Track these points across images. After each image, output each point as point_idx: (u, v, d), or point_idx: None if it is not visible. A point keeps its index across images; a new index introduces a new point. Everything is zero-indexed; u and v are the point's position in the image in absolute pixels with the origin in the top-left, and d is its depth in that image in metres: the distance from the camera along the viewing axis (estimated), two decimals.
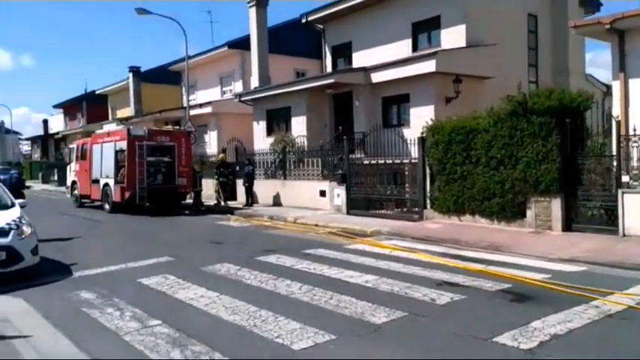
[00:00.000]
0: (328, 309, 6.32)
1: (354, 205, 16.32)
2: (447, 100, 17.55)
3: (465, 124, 13.27)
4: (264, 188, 20.60)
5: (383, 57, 20.46)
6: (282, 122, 23.73)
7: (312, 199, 18.05)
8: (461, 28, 18.97)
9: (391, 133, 17.16)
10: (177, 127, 21.25)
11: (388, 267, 8.58)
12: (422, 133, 14.61)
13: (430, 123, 14.53)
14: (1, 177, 13.93)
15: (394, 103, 20.00)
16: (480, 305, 6.48)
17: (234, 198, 21.78)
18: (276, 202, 19.75)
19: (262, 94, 23.55)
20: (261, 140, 24.07)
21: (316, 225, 14.46)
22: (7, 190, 9.67)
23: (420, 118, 16.71)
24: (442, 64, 17.22)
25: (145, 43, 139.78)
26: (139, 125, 23.95)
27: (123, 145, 18.29)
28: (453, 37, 19.10)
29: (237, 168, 22.26)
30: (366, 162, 16.99)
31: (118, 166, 18.58)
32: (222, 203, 20.49)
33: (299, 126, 22.14)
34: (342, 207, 16.58)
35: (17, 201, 9.39)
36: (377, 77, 19.69)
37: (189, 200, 20.52)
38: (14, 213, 8.84)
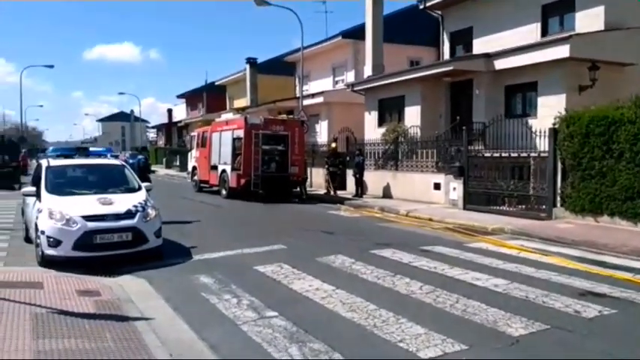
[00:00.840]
0: (455, 314, 5.74)
1: (472, 200, 15.36)
2: (581, 89, 15.89)
3: (607, 114, 11.84)
4: (373, 179, 20.15)
5: (507, 43, 19.02)
6: (394, 112, 23.08)
7: (424, 192, 17.31)
8: (599, 10, 17.10)
9: (515, 124, 15.90)
10: (292, 117, 21.39)
11: (518, 270, 7.76)
12: (553, 124, 13.31)
13: (562, 113, 13.19)
14: (130, 161, 14.73)
15: (519, 91, 18.58)
16: (636, 322, 5.55)
17: (344, 188, 21.57)
18: (386, 193, 19.23)
19: (375, 84, 23.03)
20: (372, 130, 23.61)
21: (430, 219, 13.78)
22: (134, 174, 10.11)
23: (549, 108, 15.33)
24: (576, 49, 15.59)
25: (260, 35, 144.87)
26: (255, 114, 24.46)
27: (240, 133, 18.75)
28: (589, 20, 17.26)
29: (348, 158, 22.01)
30: (487, 154, 15.91)
31: (235, 153, 19.10)
32: (332, 193, 20.36)
33: (412, 116, 21.38)
34: (458, 201, 15.68)
35: (143, 184, 9.75)
36: (500, 64, 18.36)
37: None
38: (140, 196, 9.18)
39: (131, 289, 7.03)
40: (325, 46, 31.56)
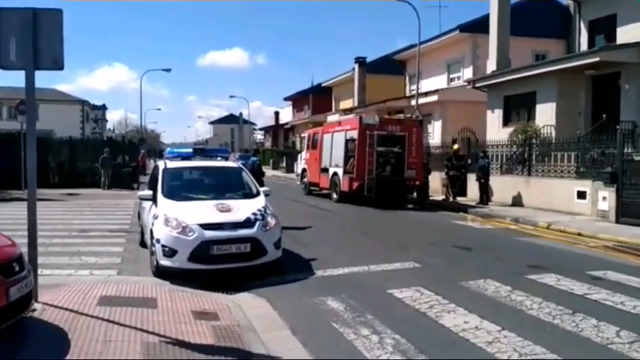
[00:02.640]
0: None
1: (627, 212, 13.05)
2: None
3: None
4: (500, 185, 18.16)
5: None
6: (523, 110, 20.84)
7: (565, 201, 15.13)
8: None
9: None
10: (409, 116, 19.97)
11: None
12: None
13: None
14: (240, 162, 14.07)
15: None
16: None
17: (464, 194, 19.77)
18: (516, 201, 17.17)
19: (501, 79, 20.90)
20: (496, 130, 21.50)
21: (579, 234, 11.77)
22: (252, 178, 9.30)
23: None
24: None
25: (364, 37, 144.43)
26: (369, 114, 23.19)
27: (354, 134, 17.67)
28: None
29: (469, 161, 20.16)
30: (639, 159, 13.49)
31: (347, 155, 18.07)
32: (451, 199, 18.68)
33: (545, 114, 19.06)
34: (609, 213, 13.41)
35: (262, 189, 8.90)
36: None
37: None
38: (259, 202, 8.31)
39: (251, 311, 6.08)
40: (440, 41, 29.68)
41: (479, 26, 27.78)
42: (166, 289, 6.93)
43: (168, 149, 10.76)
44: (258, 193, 8.70)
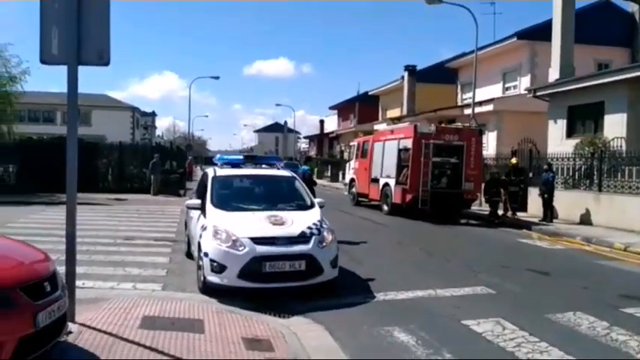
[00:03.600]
0: None
1: None
2: None
3: None
4: (565, 201, 16.86)
5: None
6: (589, 121, 19.48)
7: None
8: None
9: None
10: (467, 125, 18.91)
11: None
12: None
13: None
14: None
15: None
16: None
17: (524, 209, 18.53)
18: (584, 219, 15.86)
19: (565, 88, 19.61)
20: (558, 142, 20.17)
21: None
22: (306, 189, 8.60)
23: None
24: None
25: (412, 45, 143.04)
26: (424, 123, 22.17)
27: (408, 143, 16.76)
28: None
29: (531, 174, 18.92)
30: None
31: (400, 165, 17.15)
32: (511, 215, 17.49)
33: (614, 126, 17.69)
34: None
35: (316, 200, 8.19)
36: None
37: (474, 208, 18.05)
38: (314, 215, 7.60)
39: (309, 341, 5.35)
40: (495, 49, 28.48)
41: (537, 33, 26.51)
42: (214, 309, 6.30)
43: (218, 156, 10.20)
44: (312, 205, 8.00)
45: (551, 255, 11.04)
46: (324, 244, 7.04)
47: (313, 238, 6.96)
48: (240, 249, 6.72)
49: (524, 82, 27.05)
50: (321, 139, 63.75)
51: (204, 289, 7.01)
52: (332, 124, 62.21)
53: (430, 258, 10.21)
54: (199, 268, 7.27)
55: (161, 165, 25.56)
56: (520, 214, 17.72)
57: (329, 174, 46.15)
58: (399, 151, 17.23)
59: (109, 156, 25.66)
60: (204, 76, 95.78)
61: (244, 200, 7.93)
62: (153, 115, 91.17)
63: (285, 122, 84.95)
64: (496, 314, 6.18)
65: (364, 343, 5.33)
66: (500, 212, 17.09)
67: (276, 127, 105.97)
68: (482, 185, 17.19)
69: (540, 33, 25.99)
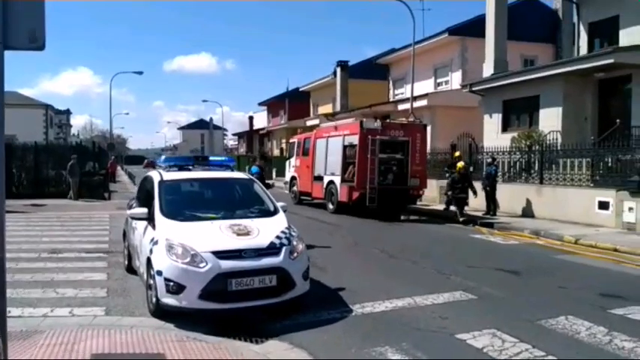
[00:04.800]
0: None
1: None
2: None
3: None
4: (507, 193, 17.04)
5: None
6: (524, 115, 19.91)
7: (584, 212, 14.07)
8: None
9: None
10: (412, 120, 18.71)
11: None
12: None
13: None
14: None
15: None
16: None
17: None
18: (527, 212, 16.07)
19: (500, 82, 19.92)
20: (494, 136, 20.51)
21: (616, 250, 10.69)
22: (267, 192, 7.78)
23: None
24: None
25: (338, 42, 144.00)
26: (369, 119, 21.60)
27: (353, 139, 16.26)
28: None
29: (471, 168, 19.03)
30: None
31: (345, 162, 16.63)
32: (461, 220, 17.43)
33: (550, 119, 18.14)
34: (638, 225, 12.41)
35: (279, 205, 7.40)
36: None
37: (419, 204, 17.85)
38: (281, 222, 6.81)
39: None
40: (427, 45, 28.69)
41: (468, 29, 26.97)
42: (173, 338, 5.40)
43: (162, 157, 9.18)
44: (276, 211, 7.20)
45: (510, 251, 10.88)
46: (296, 254, 6.29)
47: (284, 248, 6.19)
48: (201, 265, 5.83)
49: (456, 78, 27.47)
50: (250, 135, 62.43)
51: (157, 312, 6.06)
52: (261, 120, 61.05)
53: (393, 260, 9.69)
54: (149, 287, 6.30)
55: (80, 166, 23.60)
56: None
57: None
58: (344, 147, 16.71)
59: (24, 158, 23.36)
60: (125, 72, 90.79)
61: (199, 208, 7.00)
62: (67, 113, 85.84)
63: (211, 119, 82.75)
64: (488, 324, 5.72)
65: None
66: (452, 208, 16.92)
67: (201, 124, 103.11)
68: (449, 181, 16.56)
69: (471, 29, 26.46)
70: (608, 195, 13.45)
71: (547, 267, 9.14)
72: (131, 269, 8.16)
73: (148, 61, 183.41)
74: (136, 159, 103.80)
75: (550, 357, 4.79)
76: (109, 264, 9.20)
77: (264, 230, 6.39)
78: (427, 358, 4.85)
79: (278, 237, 6.32)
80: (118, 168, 47.25)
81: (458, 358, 4.89)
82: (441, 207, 18.14)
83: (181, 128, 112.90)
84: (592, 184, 14.62)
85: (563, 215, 14.68)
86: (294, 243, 6.39)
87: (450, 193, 15.89)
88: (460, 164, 16.21)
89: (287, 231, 6.53)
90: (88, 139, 70.80)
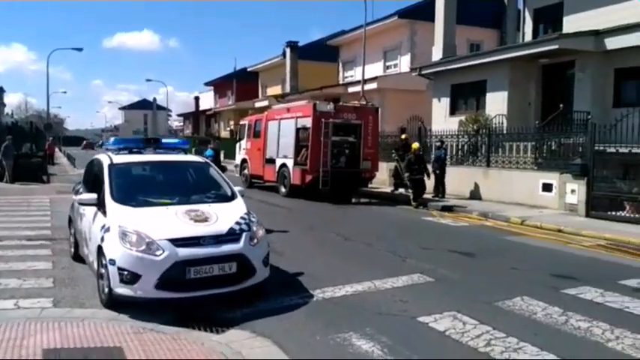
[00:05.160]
0: None
1: (597, 206, 12.64)
2: None
3: None
4: (455, 176, 17.38)
5: (612, 19, 15.98)
6: (471, 99, 20.39)
7: (528, 194, 14.58)
8: None
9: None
10: (364, 103, 18.71)
11: None
12: None
13: None
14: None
15: (634, 76, 15.80)
16: None
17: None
18: (474, 194, 16.50)
19: (449, 66, 20.30)
20: (442, 120, 20.94)
21: (560, 231, 11.15)
22: (224, 176, 7.55)
23: None
24: None
25: (287, 23, 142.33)
26: (322, 102, 21.37)
27: (306, 122, 16.11)
28: None
29: (421, 152, 19.31)
30: (611, 150, 13.11)
31: (298, 145, 16.47)
32: (403, 191, 17.69)
33: (496, 104, 18.65)
34: (579, 207, 12.95)
35: (236, 189, 7.21)
36: (613, 43, 15.60)
37: (371, 186, 17.96)
38: (240, 208, 6.63)
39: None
40: (377, 27, 28.73)
41: (417, 12, 27.21)
42: (129, 330, 5.17)
43: (111, 139, 8.71)
44: (234, 195, 7.00)
45: (462, 233, 11.14)
46: (256, 240, 6.14)
47: (244, 235, 6.03)
48: (158, 253, 5.59)
49: (405, 61, 27.73)
50: (197, 116, 61.05)
51: (110, 303, 5.79)
52: (208, 101, 59.76)
53: (349, 243, 9.71)
54: (101, 277, 6.01)
55: (16, 148, 22.34)
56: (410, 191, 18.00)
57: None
58: (297, 130, 16.54)
59: None
60: (63, 48, 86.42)
61: (152, 193, 6.70)
62: (0, 91, 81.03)
63: (154, 99, 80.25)
64: (448, 307, 5.80)
65: (326, 357, 4.60)
66: (401, 190, 17.13)
67: (144, 104, 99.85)
68: (405, 163, 16.01)
69: (420, 12, 26.69)
70: (552, 177, 13.97)
71: (497, 248, 9.42)
72: (78, 257, 7.79)
73: (86, 37, 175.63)
74: (75, 140, 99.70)
75: (512, 338, 4.89)
76: (53, 252, 8.75)
77: (223, 216, 6.20)
78: (392, 343, 4.84)
79: (237, 223, 6.15)
80: (56, 150, 45.09)
81: (420, 340, 4.92)
82: (390, 189, 18.34)
83: (123, 108, 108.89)
84: (536, 167, 15.14)
85: (509, 197, 15.16)
86: (254, 229, 6.24)
87: (407, 175, 15.70)
88: (415, 145, 16.16)
89: (246, 217, 6.37)
90: (23, 118, 67.21)
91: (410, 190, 15.89)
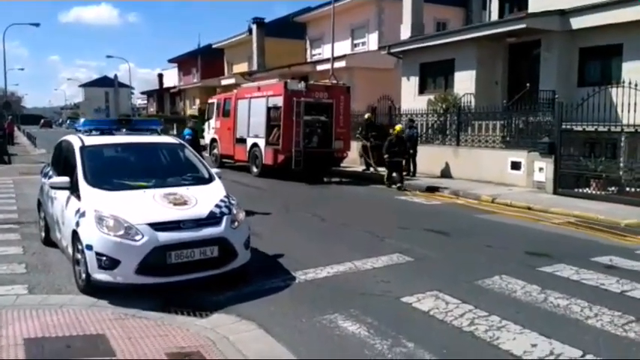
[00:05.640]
0: None
1: (565, 183, 12.99)
2: None
3: None
4: (426, 155, 17.49)
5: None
6: (440, 78, 20.48)
7: (497, 172, 14.86)
8: None
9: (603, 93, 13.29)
10: (336, 82, 18.59)
11: None
12: None
13: None
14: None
15: (597, 56, 16.12)
16: None
17: (383, 164, 19.10)
18: (445, 172, 16.71)
19: (418, 45, 20.29)
20: (412, 99, 21.01)
21: (529, 208, 11.42)
22: (200, 158, 7.40)
23: (638, 74, 13.03)
24: None
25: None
26: (294, 80, 21.09)
27: (278, 101, 15.92)
28: None
29: (391, 130, 19.42)
30: (578, 129, 13.45)
31: (269, 125, 16.30)
32: (373, 170, 17.79)
33: (464, 82, 18.79)
34: (546, 184, 13.28)
35: (213, 171, 7.09)
36: (578, 23, 15.85)
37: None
38: (219, 190, 6.54)
39: (247, 346, 4.49)
40: (344, 4, 28.39)
41: None
42: (110, 316, 5.08)
43: (81, 120, 8.38)
44: (211, 178, 6.89)
45: (435, 212, 11.29)
46: (237, 223, 6.07)
47: (224, 218, 5.95)
48: (137, 238, 5.47)
49: (372, 39, 27.62)
50: (161, 94, 59.67)
51: (88, 288, 5.66)
52: (172, 78, 58.39)
53: (326, 224, 9.73)
54: (77, 263, 5.86)
55: None
56: (380, 169, 18.12)
57: (175, 132, 43.41)
58: (268, 109, 16.34)
59: None
60: (19, 23, 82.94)
61: (127, 176, 6.52)
62: None
63: (116, 76, 77.84)
64: (429, 286, 5.88)
65: (313, 341, 4.61)
66: (371, 170, 17.16)
67: (104, 82, 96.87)
68: (386, 144, 15.33)
69: None
70: (520, 156, 14.26)
71: (471, 226, 9.59)
72: (49, 242, 7.58)
73: (39, 10, 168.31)
74: (33, 119, 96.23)
75: (494, 317, 5.00)
76: (22, 236, 8.48)
77: (202, 199, 6.10)
78: (377, 324, 4.89)
79: (217, 206, 6.06)
80: (15, 129, 43.45)
81: (405, 320, 4.98)
82: (362, 168, 18.42)
83: (83, 86, 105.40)
84: (504, 146, 15.42)
85: (478, 175, 15.42)
86: (235, 211, 6.17)
87: (386, 156, 15.21)
88: (398, 127, 15.82)
89: (226, 199, 6.28)
90: None
91: (384, 169, 15.82)
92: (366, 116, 18.93)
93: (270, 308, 5.38)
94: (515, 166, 14.41)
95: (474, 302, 5.37)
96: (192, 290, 5.71)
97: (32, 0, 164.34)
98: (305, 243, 8.19)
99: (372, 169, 17.78)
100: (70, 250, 6.11)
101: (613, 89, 13.91)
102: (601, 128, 12.51)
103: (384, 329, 4.78)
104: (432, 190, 14.28)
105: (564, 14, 16.17)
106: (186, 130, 11.44)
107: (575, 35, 16.26)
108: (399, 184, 14.78)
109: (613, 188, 12.22)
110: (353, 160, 20.54)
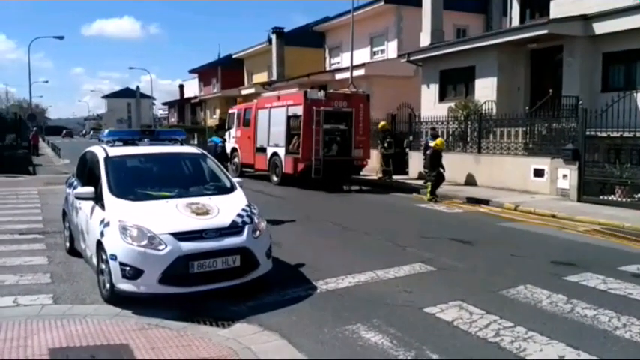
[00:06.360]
0: None
1: (589, 191, 12.75)
2: None
3: None
4: (447, 163, 17.20)
5: (598, 3, 15.98)
6: (460, 85, 20.34)
7: (520, 180, 14.66)
8: None
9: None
10: (355, 90, 18.61)
11: None
12: None
13: None
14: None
15: (621, 61, 15.87)
16: None
17: (403, 172, 19.04)
18: (469, 180, 16.52)
19: (438, 52, 20.21)
20: (432, 106, 20.88)
21: (553, 216, 11.23)
22: (222, 167, 7.46)
23: None
24: None
25: (269, 9, 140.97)
26: (313, 90, 21.13)
27: (297, 110, 15.98)
28: None
29: (411, 138, 19.40)
30: (602, 135, 13.22)
31: (289, 134, 16.37)
32: (387, 178, 17.72)
33: (485, 89, 18.63)
34: (570, 192, 13.06)
35: (235, 181, 7.13)
36: (601, 28, 15.62)
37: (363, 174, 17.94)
38: (240, 200, 6.56)
39: (269, 355, 4.48)
40: (363, 13, 28.43)
41: None
42: (134, 326, 5.11)
43: (106, 131, 8.50)
44: (233, 187, 6.92)
45: (457, 220, 11.17)
46: (258, 232, 6.09)
47: (246, 227, 5.96)
48: (160, 248, 5.51)
49: (392, 47, 27.58)
50: (182, 105, 60.37)
51: (112, 298, 5.71)
52: (192, 89, 59.08)
53: (348, 233, 9.69)
54: (101, 272, 5.92)
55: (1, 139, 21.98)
56: (398, 177, 18.04)
57: (195, 142, 43.90)
58: (288, 118, 16.41)
59: None
60: (45, 37, 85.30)
61: (151, 186, 6.59)
62: None
63: (138, 87, 79.18)
64: (453, 296, 5.81)
65: (335, 352, 4.58)
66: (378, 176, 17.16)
67: (127, 93, 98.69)
68: (428, 159, 14.58)
69: None
70: (543, 163, 14.05)
71: (494, 235, 9.46)
72: (74, 251, 7.69)
73: (64, 24, 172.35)
74: (57, 130, 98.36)
75: (520, 327, 4.91)
76: (47, 246, 8.60)
77: (224, 209, 6.13)
78: (401, 334, 4.84)
79: (239, 215, 6.08)
80: (40, 140, 44.34)
81: (429, 331, 4.91)
82: (378, 176, 18.36)
83: (106, 97, 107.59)
84: (527, 153, 15.22)
85: (501, 183, 15.23)
86: (256, 221, 6.19)
87: (427, 172, 14.45)
88: (439, 141, 14.83)
89: (248, 209, 6.30)
90: (4, 109, 65.97)
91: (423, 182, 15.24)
92: (380, 125, 18.82)
93: (291, 318, 5.36)
94: (538, 173, 14.20)
95: (499, 312, 5.29)
96: (213, 300, 5.72)
97: (56, 14, 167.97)
98: (325, 252, 8.16)
99: (379, 175, 17.83)
100: (94, 259, 6.19)
101: (638, 94, 13.70)
102: (626, 134, 12.28)
103: (407, 340, 4.72)
104: (474, 202, 13.44)
105: (587, 19, 15.96)
106: (217, 139, 11.46)
107: (598, 40, 16.03)
108: (434, 198, 13.98)
109: (639, 195, 11.97)
110: (372, 168, 20.49)
